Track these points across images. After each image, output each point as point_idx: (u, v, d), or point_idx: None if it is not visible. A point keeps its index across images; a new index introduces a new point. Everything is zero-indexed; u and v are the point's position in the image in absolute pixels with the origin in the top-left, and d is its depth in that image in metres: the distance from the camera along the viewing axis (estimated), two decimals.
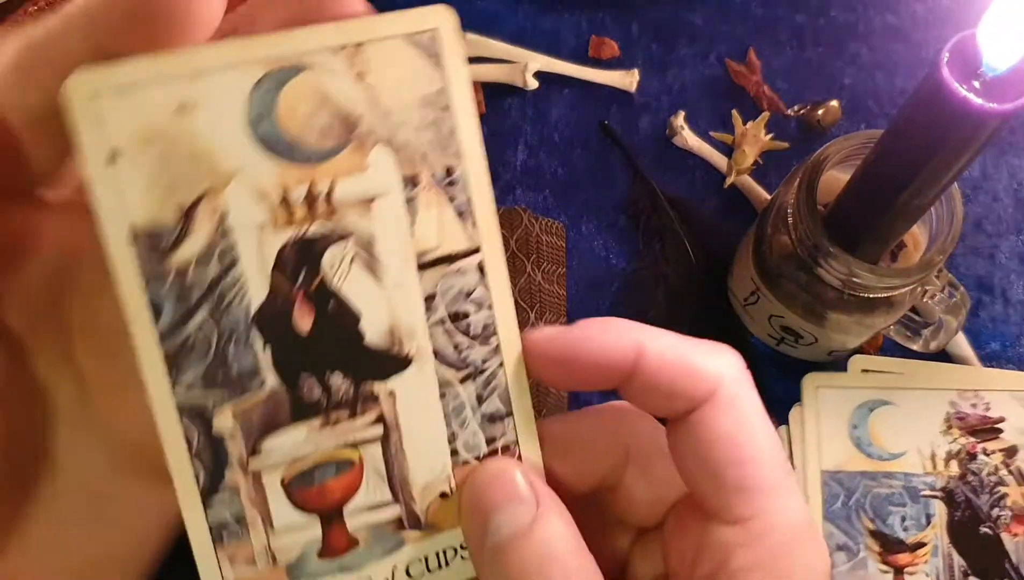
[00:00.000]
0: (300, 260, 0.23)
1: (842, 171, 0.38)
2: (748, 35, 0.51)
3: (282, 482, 0.24)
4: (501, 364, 0.25)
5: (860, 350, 0.46)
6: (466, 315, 0.24)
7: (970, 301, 0.42)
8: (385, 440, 0.24)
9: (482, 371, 0.25)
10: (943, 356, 0.46)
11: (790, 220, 0.38)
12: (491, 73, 0.50)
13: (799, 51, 0.51)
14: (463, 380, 0.25)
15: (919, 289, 0.40)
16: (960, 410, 0.44)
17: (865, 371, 0.45)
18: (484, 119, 0.50)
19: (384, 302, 0.24)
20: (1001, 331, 0.47)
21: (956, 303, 0.41)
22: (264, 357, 0.23)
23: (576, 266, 0.48)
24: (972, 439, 0.44)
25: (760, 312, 0.44)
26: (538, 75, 0.50)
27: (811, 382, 0.45)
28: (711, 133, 0.49)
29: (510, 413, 0.25)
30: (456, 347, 0.24)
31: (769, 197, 0.47)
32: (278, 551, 0.24)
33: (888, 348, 0.46)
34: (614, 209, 0.49)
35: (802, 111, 0.49)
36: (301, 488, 0.24)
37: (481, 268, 0.24)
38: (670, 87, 0.51)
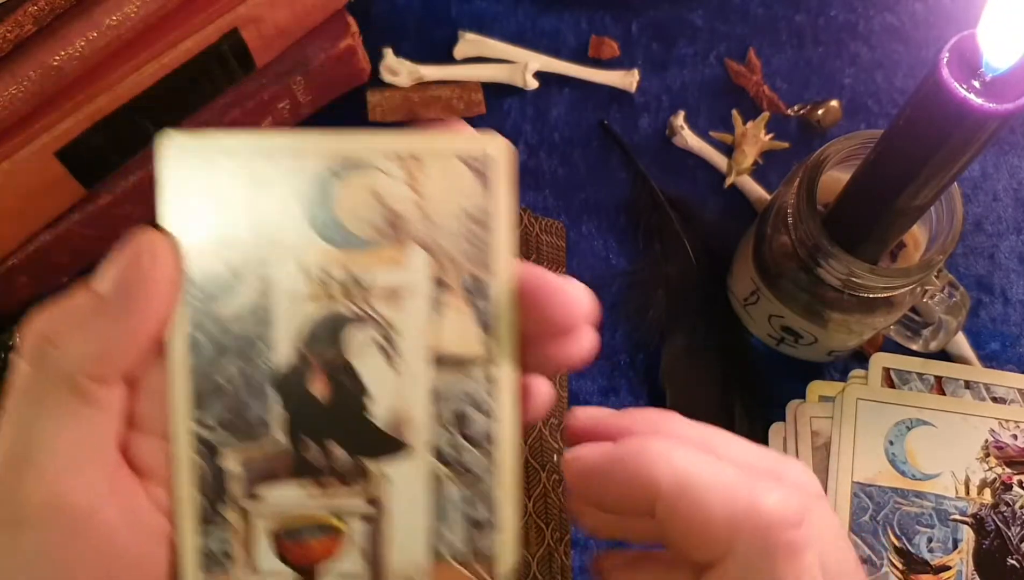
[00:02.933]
0: (326, 334, 0.26)
1: (842, 171, 0.38)
2: (748, 35, 0.51)
3: (271, 530, 0.25)
4: (495, 474, 0.26)
5: (860, 350, 0.46)
6: (469, 419, 0.26)
7: (970, 301, 0.42)
8: (371, 518, 0.26)
9: (475, 476, 0.26)
10: (943, 355, 0.46)
11: (790, 220, 0.38)
12: (491, 73, 0.50)
13: (799, 51, 0.51)
14: (455, 480, 0.26)
15: (919, 289, 0.40)
16: (1000, 440, 0.44)
17: (887, 370, 0.45)
18: (484, 119, 0.50)
19: (394, 388, 0.26)
20: (1001, 331, 0.47)
21: (956, 303, 0.41)
22: (276, 413, 0.25)
23: (576, 266, 0.48)
24: (1009, 470, 0.44)
25: (760, 312, 0.44)
26: (538, 75, 0.50)
27: (851, 394, 0.44)
28: (711, 133, 0.49)
29: (495, 524, 0.26)
30: (454, 447, 0.26)
31: (769, 197, 0.47)
32: None
33: (888, 348, 0.46)
34: (614, 209, 0.49)
35: (802, 111, 0.49)
36: (286, 541, 0.25)
37: (491, 378, 0.26)
38: (670, 87, 0.51)
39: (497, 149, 0.25)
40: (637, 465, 0.24)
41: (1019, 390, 0.45)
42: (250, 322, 0.25)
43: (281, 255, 0.25)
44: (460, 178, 0.26)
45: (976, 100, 0.28)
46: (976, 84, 0.28)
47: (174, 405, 0.25)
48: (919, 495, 0.43)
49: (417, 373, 0.26)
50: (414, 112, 0.49)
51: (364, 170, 0.25)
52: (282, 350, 0.25)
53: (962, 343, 0.46)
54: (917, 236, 0.40)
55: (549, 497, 0.43)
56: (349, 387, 0.26)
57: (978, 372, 0.45)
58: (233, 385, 0.25)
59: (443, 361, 0.26)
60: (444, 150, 0.25)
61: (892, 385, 0.45)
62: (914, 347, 0.44)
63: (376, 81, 0.49)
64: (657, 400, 0.46)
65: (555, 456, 0.44)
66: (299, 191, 0.25)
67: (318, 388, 0.26)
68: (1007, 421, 0.44)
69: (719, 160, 0.49)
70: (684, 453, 0.24)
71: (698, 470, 0.24)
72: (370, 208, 0.25)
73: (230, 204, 0.25)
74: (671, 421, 0.26)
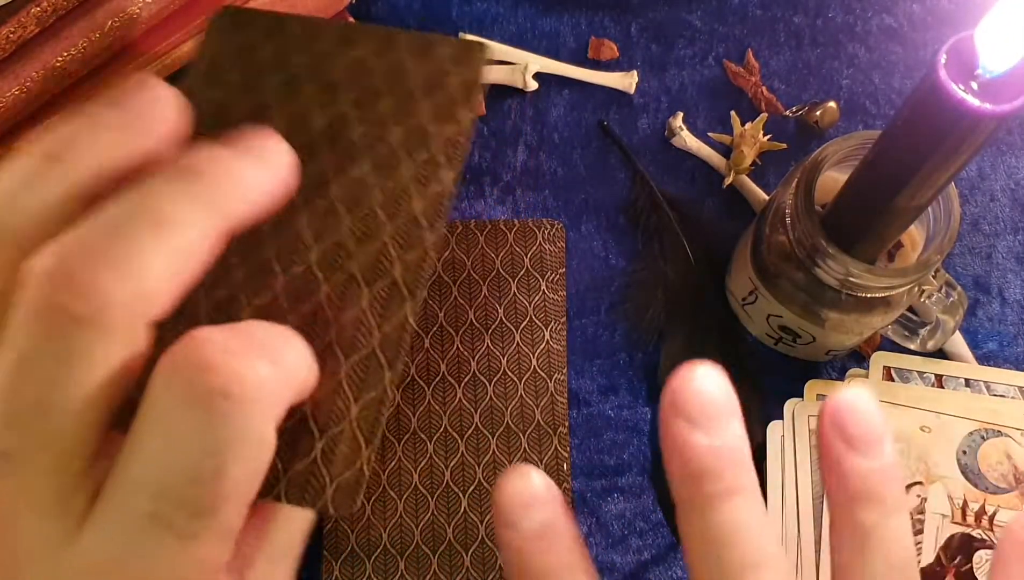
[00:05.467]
0: (959, 548, 0.36)
1: (840, 172, 0.38)
2: (746, 36, 0.51)
3: None
4: None
5: (857, 349, 0.46)
6: None
7: (967, 301, 0.42)
8: None
9: None
10: (940, 354, 0.46)
11: (788, 220, 0.38)
12: (491, 74, 0.50)
13: (797, 52, 0.51)
14: None
15: (916, 289, 0.40)
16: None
17: (888, 368, 0.45)
18: (484, 120, 0.50)
19: None
20: (998, 330, 0.47)
21: (953, 303, 0.41)
22: None
23: (576, 266, 0.48)
24: None
25: (758, 312, 0.44)
26: (538, 76, 0.50)
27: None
28: (709, 134, 0.50)
29: None
30: None
31: (767, 197, 0.48)
32: None
33: (885, 347, 0.46)
34: (614, 209, 0.49)
35: (800, 112, 0.49)
36: None
37: None
38: (669, 88, 0.51)
39: None
40: None
41: (1020, 387, 0.45)
42: None
43: (936, 482, 0.38)
44: None
45: (974, 101, 0.28)
46: (974, 85, 0.29)
47: None
48: None
49: None
50: None
51: (1001, 436, 0.39)
52: (925, 553, 0.36)
53: (959, 343, 0.46)
54: (914, 236, 0.40)
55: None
56: None
57: (978, 370, 0.45)
58: None
59: None
60: None
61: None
62: (911, 347, 0.45)
63: None
64: (656, 399, 0.46)
65: (564, 465, 0.44)
66: (955, 441, 0.38)
67: None
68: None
69: (718, 161, 0.49)
70: None
71: None
72: (1003, 464, 0.39)
73: (901, 442, 0.39)
74: None
